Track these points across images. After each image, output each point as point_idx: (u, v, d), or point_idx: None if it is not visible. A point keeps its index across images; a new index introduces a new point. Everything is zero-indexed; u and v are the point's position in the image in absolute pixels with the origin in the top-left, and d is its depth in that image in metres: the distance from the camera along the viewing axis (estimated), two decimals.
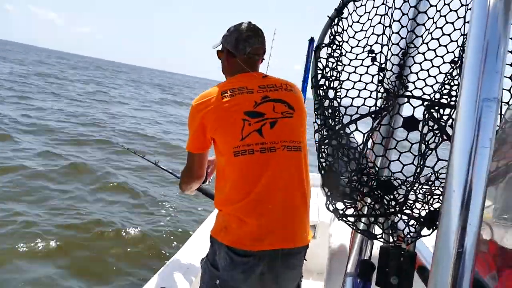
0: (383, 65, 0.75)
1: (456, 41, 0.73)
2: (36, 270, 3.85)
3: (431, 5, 0.74)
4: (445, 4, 0.73)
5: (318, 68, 0.77)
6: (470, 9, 0.70)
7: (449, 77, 0.72)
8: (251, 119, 1.48)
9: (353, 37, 0.77)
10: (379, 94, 0.76)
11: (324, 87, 0.77)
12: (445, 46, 0.74)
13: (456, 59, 0.72)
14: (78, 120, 12.17)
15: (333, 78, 0.77)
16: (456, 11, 0.72)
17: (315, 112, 0.77)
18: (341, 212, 0.73)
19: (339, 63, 0.78)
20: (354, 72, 0.76)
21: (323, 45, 0.78)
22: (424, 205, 0.70)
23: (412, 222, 0.69)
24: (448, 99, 0.70)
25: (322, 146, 0.75)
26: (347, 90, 0.76)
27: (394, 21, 0.75)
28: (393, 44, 0.76)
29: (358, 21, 0.77)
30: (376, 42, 0.76)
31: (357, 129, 0.71)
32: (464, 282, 0.47)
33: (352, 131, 0.71)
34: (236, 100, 1.50)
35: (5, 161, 6.71)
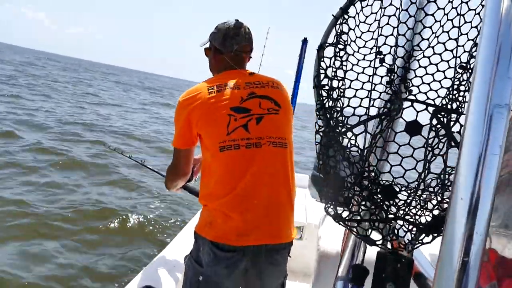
0: (392, 67, 0.74)
1: (463, 46, 0.71)
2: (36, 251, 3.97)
3: (438, 8, 0.72)
4: (452, 8, 0.72)
5: (321, 67, 0.75)
6: (478, 14, 0.69)
7: (456, 82, 0.71)
8: (237, 115, 1.48)
9: (359, 37, 0.75)
10: (387, 96, 0.74)
11: (326, 87, 0.75)
12: (451, 50, 0.73)
13: (464, 64, 0.70)
14: (67, 120, 12.00)
15: (338, 78, 0.75)
16: (463, 15, 0.71)
17: (317, 113, 0.75)
18: (343, 216, 0.71)
19: (343, 63, 0.76)
20: (363, 72, 0.74)
21: (327, 44, 0.76)
22: (426, 211, 0.68)
23: (413, 228, 0.67)
24: (455, 105, 0.69)
25: (323, 148, 0.73)
26: (356, 90, 0.74)
27: (401, 22, 0.74)
28: (398, 46, 0.75)
29: (364, 21, 0.75)
30: (385, 44, 0.74)
31: (366, 130, 0.69)
32: None
33: (358, 134, 0.70)
34: (222, 95, 1.50)
35: None
